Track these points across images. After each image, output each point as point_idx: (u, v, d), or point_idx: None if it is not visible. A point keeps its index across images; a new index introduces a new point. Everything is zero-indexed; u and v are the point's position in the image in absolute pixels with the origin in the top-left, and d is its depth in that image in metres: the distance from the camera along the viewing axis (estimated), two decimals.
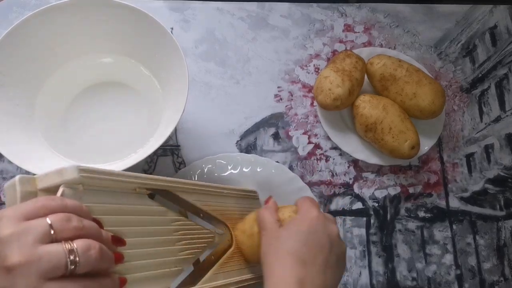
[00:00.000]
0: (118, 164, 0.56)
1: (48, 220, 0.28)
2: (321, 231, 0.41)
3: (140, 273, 0.36)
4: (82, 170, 0.32)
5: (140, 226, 0.37)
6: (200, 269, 0.44)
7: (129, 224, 0.36)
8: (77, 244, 0.28)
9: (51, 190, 0.32)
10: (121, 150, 0.58)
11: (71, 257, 0.27)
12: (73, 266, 0.27)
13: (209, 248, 0.46)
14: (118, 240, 0.34)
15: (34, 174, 0.32)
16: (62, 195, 0.31)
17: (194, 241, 0.43)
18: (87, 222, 0.30)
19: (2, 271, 0.26)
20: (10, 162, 0.48)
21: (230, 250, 0.48)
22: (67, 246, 0.28)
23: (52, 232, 0.28)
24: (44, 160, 0.54)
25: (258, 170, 0.61)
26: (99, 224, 0.32)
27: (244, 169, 0.61)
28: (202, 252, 0.45)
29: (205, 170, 0.60)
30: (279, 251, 0.40)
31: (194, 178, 0.60)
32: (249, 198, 0.56)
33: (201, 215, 0.47)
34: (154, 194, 0.41)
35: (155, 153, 0.59)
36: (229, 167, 0.61)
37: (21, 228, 0.27)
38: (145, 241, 0.37)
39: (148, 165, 0.63)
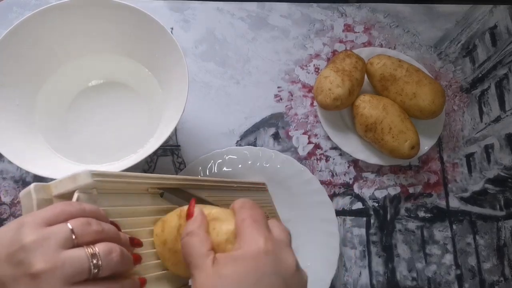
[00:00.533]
0: (118, 164, 0.56)
1: (69, 225, 0.29)
2: (272, 273, 0.30)
3: (158, 272, 0.36)
4: (95, 174, 0.32)
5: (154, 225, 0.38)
6: None
7: (144, 224, 0.37)
8: (99, 248, 0.28)
9: (66, 197, 0.32)
10: (121, 150, 0.58)
11: (94, 261, 0.28)
12: (96, 270, 0.28)
13: None
14: (136, 242, 0.34)
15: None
16: (77, 200, 0.31)
17: None
18: (106, 226, 0.31)
19: (27, 278, 0.26)
20: (10, 162, 0.48)
21: None
22: (89, 250, 0.28)
23: (73, 237, 0.28)
24: (44, 160, 0.54)
25: (266, 163, 0.61)
26: (117, 227, 0.33)
27: (251, 163, 0.61)
28: None
29: (215, 165, 0.61)
30: None
31: (202, 173, 0.60)
32: (259, 191, 0.56)
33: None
34: (164, 192, 0.41)
35: (155, 153, 0.59)
36: (237, 161, 0.61)
37: (43, 234, 0.27)
38: None
39: (148, 165, 0.63)
